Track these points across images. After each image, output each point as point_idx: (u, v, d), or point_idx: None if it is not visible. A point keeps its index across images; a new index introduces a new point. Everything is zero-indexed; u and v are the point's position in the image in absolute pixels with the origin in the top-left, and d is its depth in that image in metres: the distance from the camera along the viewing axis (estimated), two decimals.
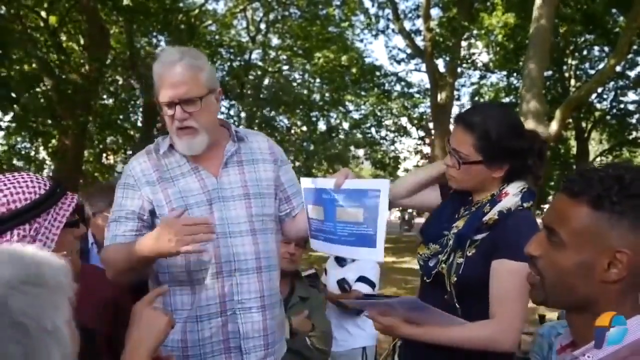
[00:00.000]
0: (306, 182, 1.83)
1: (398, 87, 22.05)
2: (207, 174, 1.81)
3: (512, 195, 1.64)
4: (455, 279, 1.60)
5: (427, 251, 1.73)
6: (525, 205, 1.63)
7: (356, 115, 23.14)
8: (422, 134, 23.09)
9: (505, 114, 1.70)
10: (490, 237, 1.60)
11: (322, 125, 22.39)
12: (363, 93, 21.89)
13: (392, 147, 24.48)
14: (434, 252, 1.70)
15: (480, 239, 1.62)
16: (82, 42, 16.93)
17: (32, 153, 20.05)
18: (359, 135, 22.65)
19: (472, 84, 21.73)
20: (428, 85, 19.77)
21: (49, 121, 15.88)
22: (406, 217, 27.79)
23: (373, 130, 23.05)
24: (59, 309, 0.64)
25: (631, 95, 19.72)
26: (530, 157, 1.66)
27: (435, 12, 18.45)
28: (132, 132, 20.46)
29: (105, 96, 19.02)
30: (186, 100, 1.70)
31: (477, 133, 1.63)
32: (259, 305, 1.80)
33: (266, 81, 21.09)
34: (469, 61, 20.47)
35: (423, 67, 19.84)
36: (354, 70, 20.24)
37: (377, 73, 21.20)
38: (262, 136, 2.01)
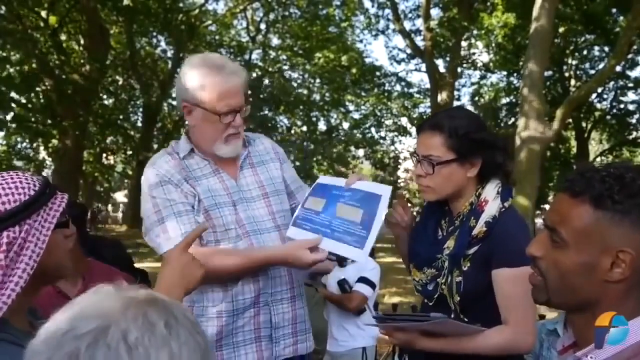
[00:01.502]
0: (323, 179, 1.94)
1: (398, 87, 22.09)
2: (228, 177, 1.89)
3: (491, 201, 1.62)
4: (459, 298, 1.60)
5: (423, 276, 1.71)
6: (506, 204, 1.61)
7: (356, 116, 23.18)
8: None
9: (466, 111, 1.76)
10: (483, 249, 1.58)
11: (322, 125, 22.44)
12: (363, 93, 21.90)
13: (392, 147, 24.51)
14: (432, 277, 1.69)
15: (473, 252, 1.60)
16: (82, 42, 16.93)
17: (32, 153, 20.05)
18: (359, 135, 22.66)
19: (472, 84, 21.78)
20: (428, 85, 19.80)
21: (49, 121, 15.88)
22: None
23: (373, 130, 23.07)
24: None
25: (631, 95, 19.75)
26: (498, 152, 1.65)
27: (435, 12, 18.48)
28: (132, 132, 20.47)
29: (105, 96, 19.02)
30: (241, 108, 1.83)
31: (445, 131, 1.63)
32: (290, 296, 1.90)
33: (266, 81, 21.09)
34: (469, 61, 20.48)
35: (423, 67, 19.88)
36: (354, 70, 20.26)
37: (377, 73, 21.21)
38: (263, 137, 2.11)
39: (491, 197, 1.62)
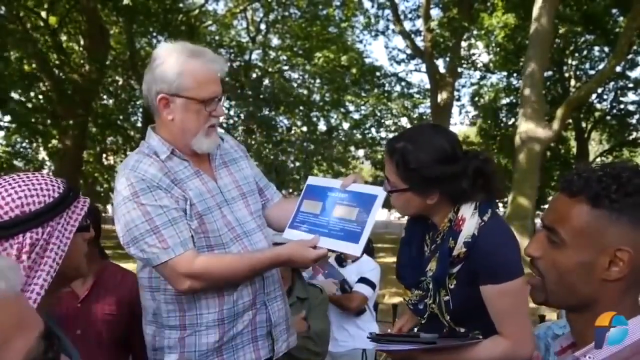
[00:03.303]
0: (313, 180, 1.93)
1: (398, 88, 22.06)
2: (208, 178, 1.82)
3: (469, 218, 1.54)
4: (448, 316, 1.60)
5: (413, 296, 1.71)
6: (485, 218, 1.54)
7: (356, 116, 23.14)
8: None
9: (431, 138, 1.57)
10: (466, 267, 1.55)
11: (322, 126, 22.40)
12: (363, 93, 21.88)
13: None
14: (420, 297, 1.68)
15: (457, 271, 1.57)
16: (82, 42, 16.92)
17: (32, 153, 20.01)
18: (358, 136, 22.64)
19: (472, 84, 21.74)
20: (428, 86, 19.78)
21: (49, 121, 15.87)
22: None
23: (373, 130, 23.05)
24: None
25: (631, 96, 19.71)
26: (464, 179, 1.54)
27: (435, 12, 18.46)
28: (132, 133, 20.46)
29: (105, 96, 19.01)
30: (221, 97, 1.76)
31: (395, 160, 1.57)
32: (281, 293, 1.93)
33: (266, 81, 21.08)
34: (469, 61, 20.47)
35: (423, 67, 19.86)
36: (354, 70, 20.24)
37: (377, 73, 21.20)
38: (225, 135, 2.04)
39: (468, 214, 1.55)
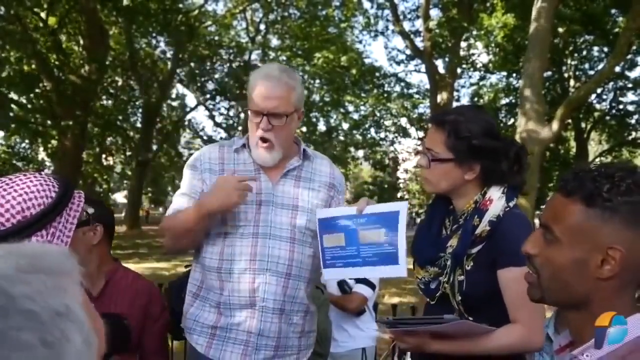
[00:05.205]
0: (323, 213, 1.90)
1: (398, 88, 22.08)
2: (266, 179, 1.93)
3: (496, 200, 1.60)
4: (460, 297, 1.59)
5: (426, 274, 1.71)
6: (511, 204, 1.60)
7: (356, 116, 23.16)
8: (421, 134, 23.11)
9: (479, 114, 1.69)
10: (487, 248, 1.58)
11: (321, 126, 22.43)
12: (363, 94, 21.90)
13: (392, 148, 24.51)
14: (434, 275, 1.68)
15: (476, 252, 1.59)
16: (81, 42, 16.93)
17: (32, 153, 20.01)
18: (358, 136, 22.65)
19: (472, 84, 21.77)
20: (428, 86, 19.80)
21: (49, 122, 15.87)
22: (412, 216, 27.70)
23: (372, 131, 23.07)
24: (68, 291, 0.60)
25: (630, 96, 19.75)
26: (504, 160, 1.62)
27: (434, 12, 18.49)
28: (131, 133, 20.47)
29: (104, 97, 19.02)
30: (274, 114, 1.85)
31: (447, 129, 1.63)
32: (279, 308, 1.89)
33: None
34: (469, 62, 20.49)
35: (423, 67, 19.88)
36: (353, 71, 20.26)
37: (377, 74, 21.21)
38: (327, 161, 2.14)
39: (496, 196, 1.61)
